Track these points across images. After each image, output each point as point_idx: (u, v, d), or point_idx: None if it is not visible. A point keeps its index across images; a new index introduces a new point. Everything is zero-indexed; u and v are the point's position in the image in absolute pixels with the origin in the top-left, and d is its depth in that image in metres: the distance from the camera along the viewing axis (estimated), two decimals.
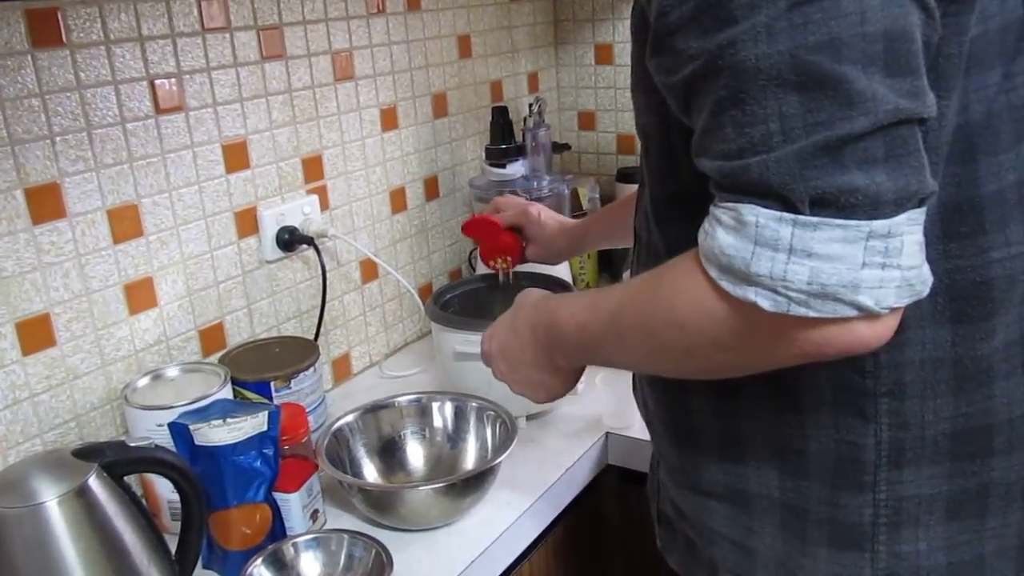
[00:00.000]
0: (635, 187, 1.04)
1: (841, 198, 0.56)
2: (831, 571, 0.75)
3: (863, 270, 0.57)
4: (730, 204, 0.60)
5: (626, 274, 1.29)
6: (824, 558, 0.75)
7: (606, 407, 1.26)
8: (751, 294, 0.59)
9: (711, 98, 0.60)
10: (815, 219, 0.57)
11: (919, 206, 0.58)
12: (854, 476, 0.73)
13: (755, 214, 0.58)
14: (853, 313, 0.58)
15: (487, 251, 1.35)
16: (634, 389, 0.94)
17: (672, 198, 0.77)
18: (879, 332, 0.60)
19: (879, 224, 0.56)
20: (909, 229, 0.58)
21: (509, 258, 1.33)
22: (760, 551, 0.80)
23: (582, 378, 1.25)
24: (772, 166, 0.57)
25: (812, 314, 0.58)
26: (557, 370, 0.88)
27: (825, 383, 0.72)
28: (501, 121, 1.53)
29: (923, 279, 0.59)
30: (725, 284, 0.61)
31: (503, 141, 1.53)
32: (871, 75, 0.56)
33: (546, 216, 1.31)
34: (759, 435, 0.76)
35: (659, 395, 0.85)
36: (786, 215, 0.57)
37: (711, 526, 0.83)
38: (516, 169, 1.53)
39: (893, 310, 0.59)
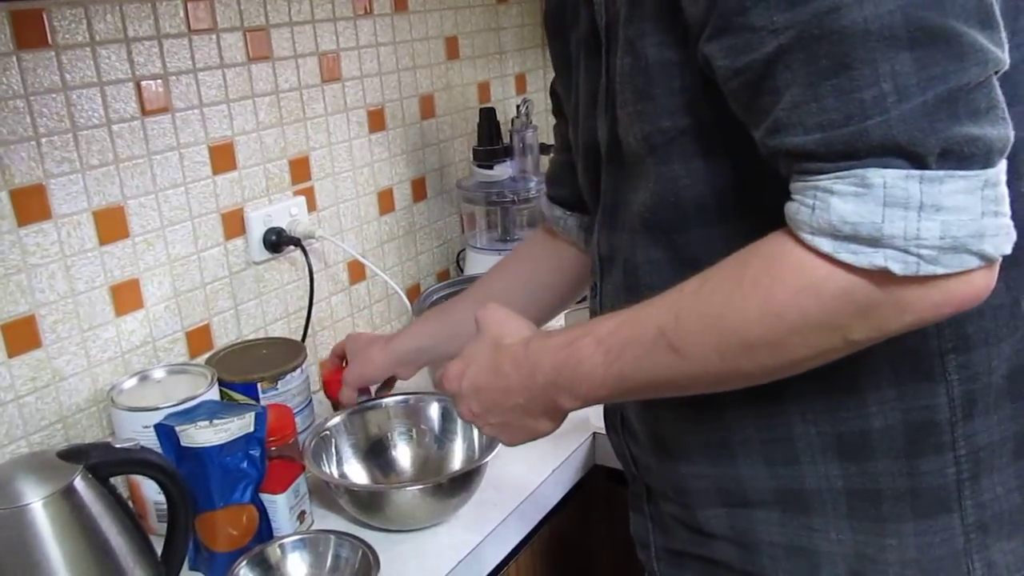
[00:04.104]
0: None
1: (965, 148, 0.57)
2: (921, 543, 0.74)
3: (983, 219, 0.58)
4: (845, 172, 0.59)
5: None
6: (910, 532, 0.74)
7: (593, 407, 1.26)
8: (879, 259, 0.59)
9: (803, 71, 0.60)
10: (941, 172, 0.57)
11: (1005, 155, 0.60)
12: (930, 440, 0.72)
13: (881, 175, 0.58)
14: (977, 264, 0.58)
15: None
16: (621, 433, 0.91)
17: (707, 199, 0.73)
18: (990, 281, 0.61)
19: (991, 172, 0.58)
20: (1003, 178, 0.59)
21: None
22: (824, 549, 0.76)
23: None
24: (896, 124, 0.58)
25: (940, 271, 0.58)
26: (554, 413, 0.82)
27: (881, 358, 0.71)
28: (488, 122, 1.54)
29: (1013, 227, 0.60)
30: (845, 255, 0.59)
31: (490, 142, 1.54)
32: (972, 27, 0.58)
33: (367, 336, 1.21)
34: (813, 429, 0.74)
35: (686, 413, 0.80)
36: (913, 172, 0.57)
37: (758, 538, 0.78)
38: (503, 170, 1.54)
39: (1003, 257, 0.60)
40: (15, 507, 0.75)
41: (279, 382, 1.15)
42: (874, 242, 0.58)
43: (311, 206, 1.37)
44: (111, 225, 1.10)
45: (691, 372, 0.70)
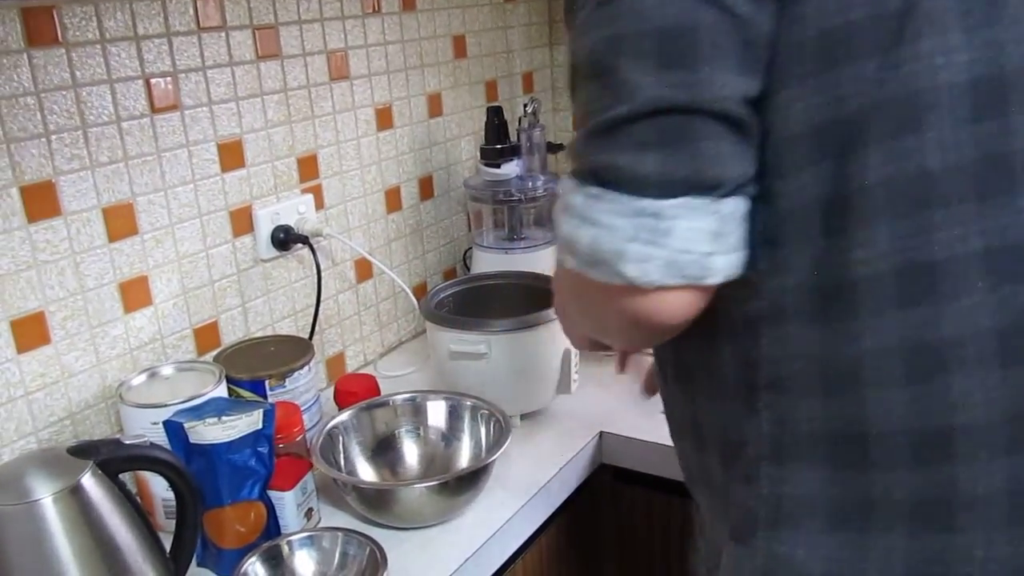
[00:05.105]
0: None
1: (610, 173, 0.63)
2: (728, 563, 0.75)
3: (631, 243, 0.63)
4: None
5: None
6: (728, 548, 0.75)
7: (600, 406, 1.26)
8: (561, 252, 0.69)
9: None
10: (598, 190, 0.64)
11: (701, 194, 0.62)
12: (743, 467, 0.73)
13: (564, 185, 0.68)
14: (618, 281, 0.64)
15: None
16: None
17: None
18: (649, 308, 0.66)
19: (647, 203, 0.62)
20: (685, 214, 0.62)
21: None
22: (715, 539, 0.81)
23: (575, 376, 1.26)
24: (571, 146, 0.67)
25: (593, 276, 0.66)
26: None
27: (728, 372, 0.72)
28: (496, 121, 1.54)
29: (703, 265, 0.64)
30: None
31: (498, 141, 1.54)
32: (642, 67, 0.62)
33: None
34: (706, 421, 0.77)
35: (660, 384, 0.87)
36: (580, 186, 0.65)
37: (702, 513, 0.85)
38: (511, 169, 1.54)
39: (666, 288, 0.64)
40: (25, 503, 0.76)
41: (287, 379, 1.15)
42: (557, 237, 0.69)
43: (319, 204, 1.37)
44: (120, 222, 1.10)
45: (574, 326, 0.90)
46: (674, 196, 0.62)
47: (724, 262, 0.65)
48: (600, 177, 0.64)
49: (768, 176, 0.66)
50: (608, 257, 0.64)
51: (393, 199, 1.52)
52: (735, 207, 0.64)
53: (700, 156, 0.62)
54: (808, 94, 0.64)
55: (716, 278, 0.65)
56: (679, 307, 0.66)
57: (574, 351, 1.22)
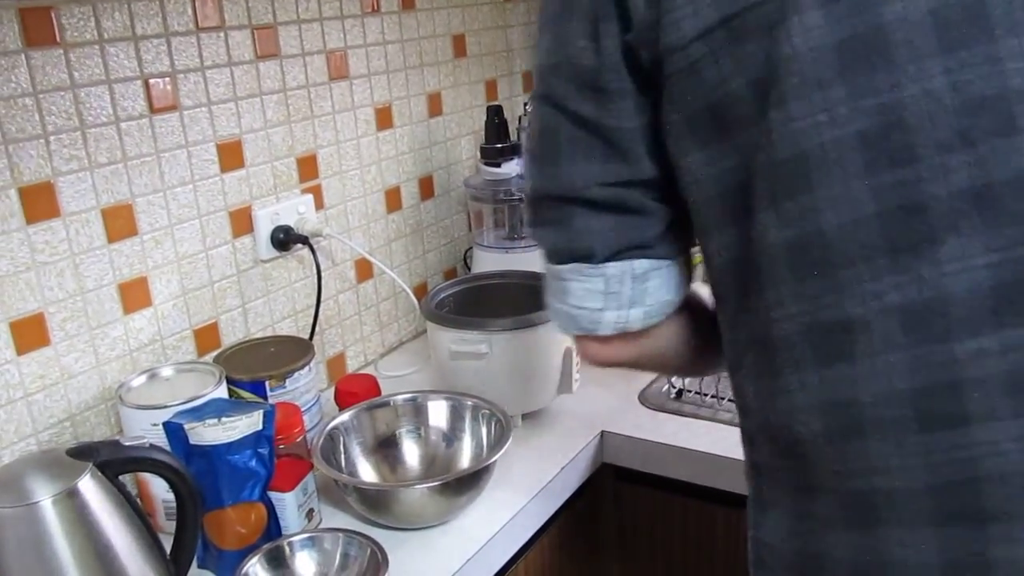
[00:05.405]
0: None
1: (537, 241, 0.77)
2: None
3: (552, 298, 0.78)
4: None
5: None
6: None
7: (602, 405, 1.26)
8: None
9: None
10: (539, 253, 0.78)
11: (580, 261, 0.73)
12: (748, 506, 0.75)
13: None
14: (559, 330, 0.79)
15: None
16: None
17: None
18: (594, 352, 0.78)
19: (553, 267, 0.76)
20: (574, 277, 0.74)
21: None
22: None
23: (577, 376, 1.26)
24: None
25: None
26: None
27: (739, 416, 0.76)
28: (496, 120, 1.53)
29: (593, 320, 0.75)
30: None
31: (498, 140, 1.53)
32: (532, 162, 0.76)
33: None
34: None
35: None
36: None
37: None
38: (511, 168, 1.54)
39: (575, 337, 0.78)
40: (25, 505, 0.75)
41: (287, 380, 1.15)
42: None
43: (319, 204, 1.37)
44: (119, 223, 1.10)
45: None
46: (564, 263, 0.75)
47: (615, 316, 0.74)
48: (537, 243, 0.78)
49: (701, 237, 0.72)
50: (546, 307, 0.79)
51: (393, 199, 1.52)
52: (621, 269, 0.73)
53: (572, 232, 0.73)
54: (711, 161, 0.67)
55: (607, 330, 0.75)
56: (593, 353, 0.78)
57: (575, 350, 1.22)
